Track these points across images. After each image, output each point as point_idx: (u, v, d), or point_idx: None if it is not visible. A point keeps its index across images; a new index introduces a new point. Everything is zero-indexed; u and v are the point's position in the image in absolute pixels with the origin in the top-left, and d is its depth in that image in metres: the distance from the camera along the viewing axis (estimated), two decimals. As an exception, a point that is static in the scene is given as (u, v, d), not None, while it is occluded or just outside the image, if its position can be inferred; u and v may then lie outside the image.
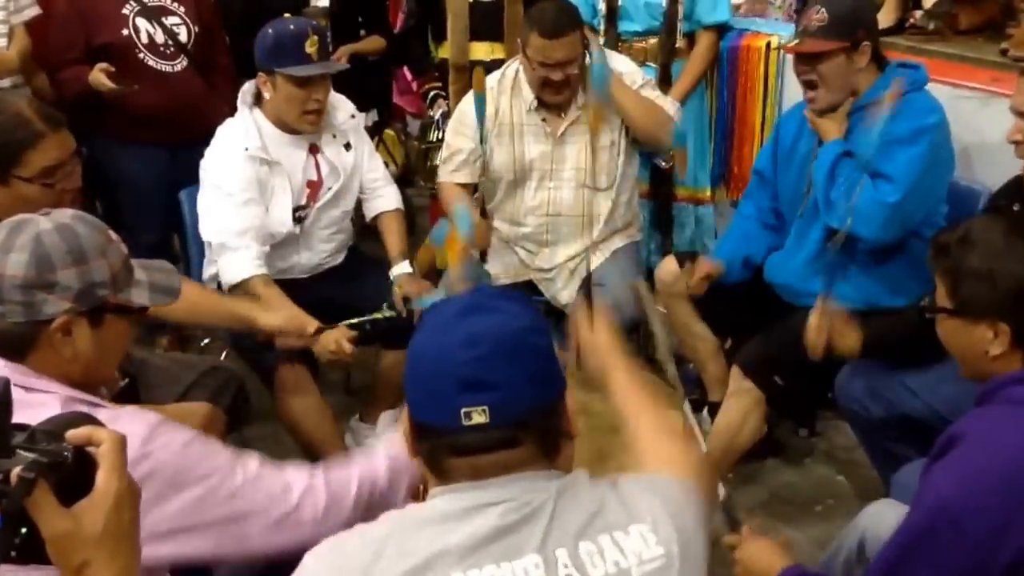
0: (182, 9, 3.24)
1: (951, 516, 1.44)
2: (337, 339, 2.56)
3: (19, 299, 1.40)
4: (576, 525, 1.16)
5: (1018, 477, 1.43)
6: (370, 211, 3.02)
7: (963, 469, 1.47)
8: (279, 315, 2.53)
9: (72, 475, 0.92)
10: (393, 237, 2.95)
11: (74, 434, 0.94)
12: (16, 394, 1.34)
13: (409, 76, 4.46)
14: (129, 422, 1.35)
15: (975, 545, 1.42)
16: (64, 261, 1.41)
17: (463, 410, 1.13)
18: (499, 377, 1.14)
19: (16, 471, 0.88)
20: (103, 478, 0.94)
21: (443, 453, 1.17)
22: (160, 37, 3.18)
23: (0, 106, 2.09)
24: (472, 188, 3.02)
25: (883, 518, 1.89)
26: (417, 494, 1.55)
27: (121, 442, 0.96)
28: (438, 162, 3.13)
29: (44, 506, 0.89)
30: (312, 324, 2.55)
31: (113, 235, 1.52)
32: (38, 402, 1.36)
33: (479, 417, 1.13)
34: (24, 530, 0.89)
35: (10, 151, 2.02)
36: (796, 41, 2.58)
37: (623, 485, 1.23)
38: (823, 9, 2.50)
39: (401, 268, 2.87)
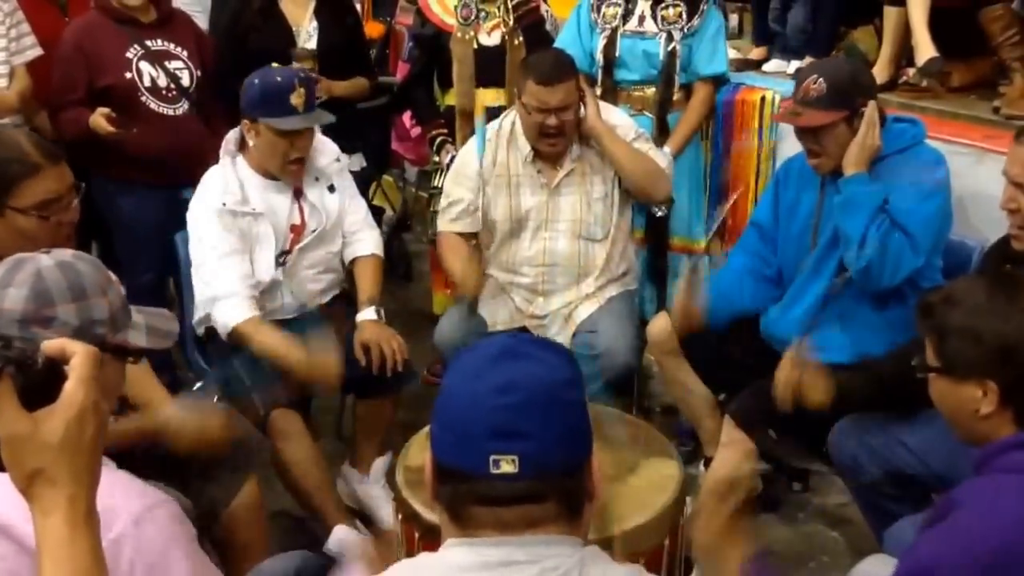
0: (185, 53, 3.27)
1: None
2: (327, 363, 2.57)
3: (15, 334, 1.38)
4: None
5: (1010, 552, 1.40)
6: (347, 255, 2.98)
7: (957, 537, 1.44)
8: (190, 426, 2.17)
9: (40, 382, 0.90)
10: (365, 282, 2.90)
11: (48, 344, 0.93)
12: None
13: (408, 123, 4.48)
14: (124, 492, 1.31)
15: None
16: (64, 297, 1.40)
17: (492, 457, 1.09)
18: (532, 427, 1.10)
19: None
20: (70, 388, 0.91)
21: (467, 500, 1.12)
22: (163, 81, 3.21)
23: None
24: (471, 237, 3.02)
25: (875, 574, 1.87)
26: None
27: (94, 356, 0.94)
28: (439, 209, 3.13)
29: (4, 404, 0.87)
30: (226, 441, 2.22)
31: (112, 276, 1.51)
32: None
33: (508, 466, 1.09)
34: None
35: (5, 182, 2.01)
36: (794, 112, 2.55)
37: None
38: (820, 79, 2.46)
39: (366, 314, 2.82)
